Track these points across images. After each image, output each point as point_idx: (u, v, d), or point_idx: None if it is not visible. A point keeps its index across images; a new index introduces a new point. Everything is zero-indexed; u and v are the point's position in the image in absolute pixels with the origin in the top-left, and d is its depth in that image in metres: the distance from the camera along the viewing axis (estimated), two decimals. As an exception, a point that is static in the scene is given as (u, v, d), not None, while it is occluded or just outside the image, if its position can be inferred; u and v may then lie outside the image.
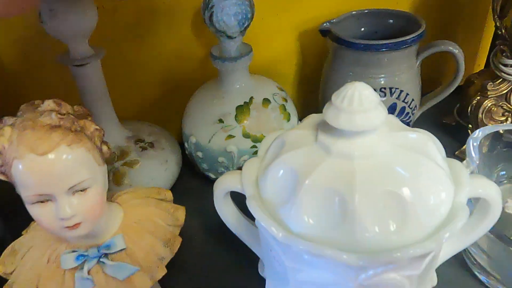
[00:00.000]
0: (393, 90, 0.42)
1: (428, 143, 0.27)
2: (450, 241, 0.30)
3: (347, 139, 0.25)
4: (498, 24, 0.42)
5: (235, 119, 0.41)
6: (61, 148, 0.23)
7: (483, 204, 0.28)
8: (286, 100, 0.44)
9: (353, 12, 0.46)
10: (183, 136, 0.45)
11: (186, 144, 0.45)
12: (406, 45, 0.40)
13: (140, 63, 0.48)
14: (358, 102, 0.24)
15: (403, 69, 0.42)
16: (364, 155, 0.25)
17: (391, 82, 0.42)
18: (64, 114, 0.24)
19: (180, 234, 0.32)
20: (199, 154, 0.43)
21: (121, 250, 0.28)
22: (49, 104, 0.25)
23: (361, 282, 0.24)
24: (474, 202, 0.31)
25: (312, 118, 0.30)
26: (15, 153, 0.23)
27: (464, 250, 0.35)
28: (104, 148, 0.27)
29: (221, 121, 0.41)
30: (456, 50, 0.42)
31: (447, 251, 0.30)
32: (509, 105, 0.45)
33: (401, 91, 0.43)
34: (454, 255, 0.35)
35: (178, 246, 0.31)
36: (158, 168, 0.43)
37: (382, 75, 0.42)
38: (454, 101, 0.52)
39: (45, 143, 0.23)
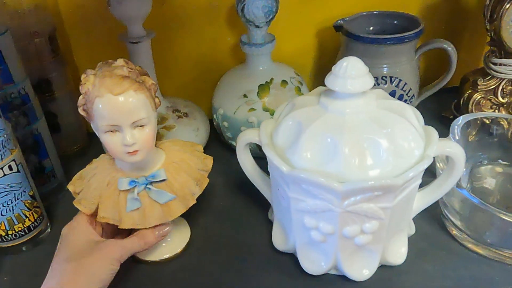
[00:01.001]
0: (393, 79, 0.50)
1: (407, 109, 0.34)
2: (425, 193, 0.37)
3: (341, 100, 0.33)
4: (488, 27, 0.49)
5: (257, 95, 0.49)
6: (129, 92, 0.32)
7: (450, 162, 0.35)
8: (301, 83, 0.51)
9: (364, 13, 0.54)
10: (212, 109, 0.53)
11: (214, 116, 0.53)
12: (406, 40, 0.48)
13: (181, 48, 0.57)
14: (350, 71, 0.32)
15: (403, 62, 0.50)
16: (353, 112, 0.32)
17: (392, 72, 0.50)
18: (131, 69, 0.33)
19: (207, 188, 0.39)
20: (225, 124, 0.51)
21: (163, 180, 0.37)
22: (120, 61, 0.34)
23: (346, 208, 0.31)
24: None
25: (319, 88, 0.38)
26: (97, 93, 0.32)
27: (441, 210, 0.42)
28: (157, 99, 0.36)
29: (245, 96, 0.49)
30: (449, 48, 0.49)
31: (423, 201, 0.37)
32: (496, 99, 0.51)
33: (400, 80, 0.50)
34: (432, 215, 0.42)
35: (205, 185, 0.39)
36: (190, 134, 0.51)
37: (385, 66, 0.49)
38: (453, 97, 0.59)
39: (119, 87, 0.32)
